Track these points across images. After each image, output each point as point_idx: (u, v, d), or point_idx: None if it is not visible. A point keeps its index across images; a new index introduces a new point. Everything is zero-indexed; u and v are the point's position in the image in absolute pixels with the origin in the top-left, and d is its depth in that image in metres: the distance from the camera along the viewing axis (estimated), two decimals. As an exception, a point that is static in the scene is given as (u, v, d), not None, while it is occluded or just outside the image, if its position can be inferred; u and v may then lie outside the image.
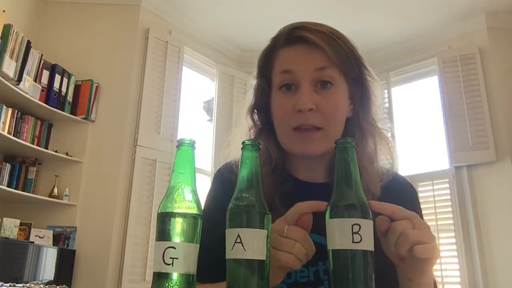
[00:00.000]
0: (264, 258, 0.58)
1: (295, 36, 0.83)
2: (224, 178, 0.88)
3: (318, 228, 0.64)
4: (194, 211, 0.60)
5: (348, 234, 0.57)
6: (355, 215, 0.58)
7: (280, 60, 0.85)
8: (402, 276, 0.68)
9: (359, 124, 0.86)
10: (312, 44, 0.81)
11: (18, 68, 2.87)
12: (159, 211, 0.60)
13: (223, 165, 0.93)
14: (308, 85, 0.80)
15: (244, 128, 0.93)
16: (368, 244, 0.57)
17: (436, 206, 3.80)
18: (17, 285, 2.43)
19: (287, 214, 0.66)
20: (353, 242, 0.57)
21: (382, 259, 0.63)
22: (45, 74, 3.15)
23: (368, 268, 0.57)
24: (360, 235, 0.57)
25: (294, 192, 0.80)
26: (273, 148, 0.87)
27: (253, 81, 0.94)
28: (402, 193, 0.89)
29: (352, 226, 0.57)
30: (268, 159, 0.87)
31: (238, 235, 0.57)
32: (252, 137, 0.91)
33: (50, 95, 3.15)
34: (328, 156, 0.84)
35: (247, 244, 0.57)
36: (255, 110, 0.92)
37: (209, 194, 0.91)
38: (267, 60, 0.88)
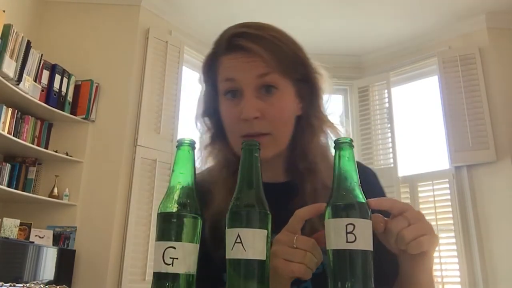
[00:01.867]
0: (264, 258, 0.58)
1: (234, 44, 0.82)
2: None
3: (276, 226, 0.65)
4: (194, 211, 0.60)
5: (342, 234, 0.57)
6: (350, 215, 0.58)
7: (222, 67, 0.84)
8: (404, 275, 0.69)
9: (309, 121, 0.87)
10: (251, 52, 0.80)
11: (18, 68, 2.87)
12: (159, 211, 0.60)
13: None
14: (252, 93, 0.80)
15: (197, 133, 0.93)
16: (364, 244, 0.57)
17: (436, 206, 3.80)
18: (17, 285, 2.43)
19: (289, 224, 0.66)
20: (347, 242, 0.57)
21: (379, 253, 0.63)
22: (45, 74, 3.15)
23: (365, 267, 0.57)
24: (354, 234, 0.57)
25: None
26: (227, 152, 0.87)
27: (200, 87, 0.94)
28: (364, 181, 0.90)
29: (346, 226, 0.57)
30: (226, 162, 0.87)
31: (238, 235, 0.57)
32: (207, 142, 0.91)
33: (50, 95, 3.15)
34: (282, 156, 0.85)
35: (247, 244, 0.57)
36: (205, 116, 0.92)
37: None
38: (211, 66, 0.88)
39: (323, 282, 0.76)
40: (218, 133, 0.90)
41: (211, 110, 0.90)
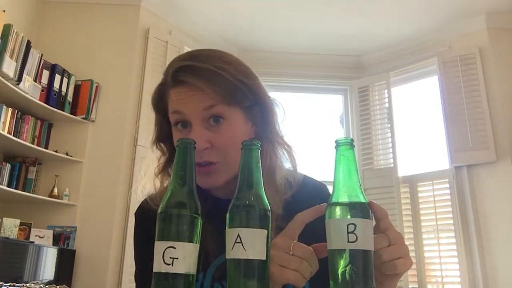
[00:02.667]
0: (264, 258, 0.58)
1: (178, 79, 0.83)
2: (143, 219, 0.94)
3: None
4: (194, 211, 0.60)
5: (343, 234, 0.57)
6: (351, 215, 0.58)
7: (170, 100, 0.85)
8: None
9: (269, 140, 0.87)
10: (195, 86, 0.81)
11: (18, 68, 2.87)
12: (159, 211, 0.60)
13: (142, 203, 0.98)
14: (200, 124, 0.81)
15: (153, 158, 0.94)
16: (365, 244, 0.57)
17: (436, 206, 3.80)
18: (17, 285, 2.43)
19: (288, 228, 0.66)
20: (348, 241, 0.57)
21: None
22: (45, 74, 3.15)
23: (367, 267, 0.57)
24: (355, 234, 0.57)
25: (216, 212, 0.74)
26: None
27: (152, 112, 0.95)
28: (312, 198, 0.85)
29: (348, 225, 0.57)
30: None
31: (238, 235, 0.57)
32: (162, 166, 0.92)
33: (50, 95, 3.15)
34: (235, 179, 0.86)
35: (247, 244, 0.57)
36: (160, 142, 0.93)
37: (134, 237, 0.99)
38: (161, 97, 0.89)
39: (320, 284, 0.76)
40: (172, 159, 0.89)
41: (164, 136, 0.91)
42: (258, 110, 0.87)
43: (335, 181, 0.62)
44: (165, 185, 0.91)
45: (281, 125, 0.90)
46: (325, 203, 0.63)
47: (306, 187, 0.91)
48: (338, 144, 0.63)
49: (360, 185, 0.61)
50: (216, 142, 0.81)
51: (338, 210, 0.59)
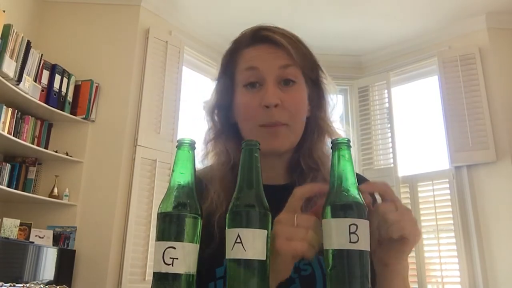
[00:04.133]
0: (264, 258, 0.58)
1: (260, 36, 0.86)
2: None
3: None
4: (194, 211, 0.60)
5: (345, 234, 0.57)
6: (352, 215, 0.58)
7: (244, 58, 0.87)
8: (378, 264, 0.68)
9: (317, 123, 0.90)
10: (276, 44, 0.84)
11: (18, 68, 2.87)
12: (159, 211, 0.60)
13: None
14: (273, 82, 0.83)
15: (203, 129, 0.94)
16: (364, 244, 0.57)
17: (436, 206, 3.80)
18: (17, 285, 2.43)
19: (288, 203, 0.65)
20: (350, 242, 0.57)
21: None
22: (45, 74, 3.15)
23: (364, 268, 0.57)
24: (357, 235, 0.57)
25: None
26: (233, 148, 0.88)
27: (214, 82, 0.96)
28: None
29: (349, 226, 0.57)
30: (227, 159, 0.88)
31: (238, 235, 0.57)
32: (211, 137, 0.91)
33: (50, 95, 3.15)
34: (288, 155, 0.88)
35: (247, 244, 0.57)
36: (216, 111, 0.93)
37: None
38: (230, 60, 0.90)
39: (311, 283, 0.77)
40: (224, 129, 0.91)
41: (224, 102, 0.91)
42: (316, 91, 0.91)
43: (331, 181, 0.62)
44: (208, 159, 0.91)
45: (331, 113, 0.93)
46: (326, 184, 0.62)
47: None
48: (335, 144, 0.64)
49: (357, 185, 0.62)
50: (286, 102, 0.83)
51: (337, 210, 0.59)
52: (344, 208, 0.59)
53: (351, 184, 0.61)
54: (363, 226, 0.58)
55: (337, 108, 0.94)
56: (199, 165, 0.93)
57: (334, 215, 0.59)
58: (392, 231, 0.61)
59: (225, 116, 0.91)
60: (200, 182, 0.85)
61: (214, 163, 0.90)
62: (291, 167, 0.89)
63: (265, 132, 0.82)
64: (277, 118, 0.82)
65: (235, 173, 0.82)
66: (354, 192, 0.60)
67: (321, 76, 0.91)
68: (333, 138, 0.85)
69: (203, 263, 0.73)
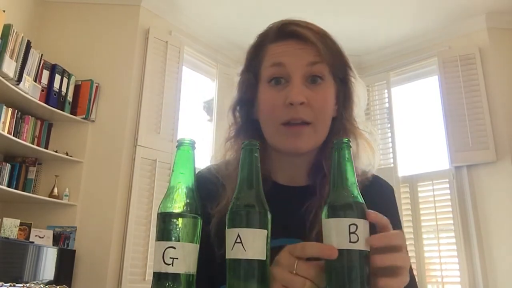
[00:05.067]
0: (264, 258, 0.58)
1: (286, 31, 0.83)
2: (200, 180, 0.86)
3: (297, 231, 0.63)
4: (194, 211, 0.60)
5: (345, 234, 0.57)
6: (351, 215, 0.58)
7: (270, 54, 0.83)
8: None
9: (343, 124, 0.85)
10: (304, 39, 0.81)
11: (18, 68, 2.87)
12: (159, 211, 0.60)
13: (202, 170, 0.91)
14: (300, 79, 0.80)
15: (225, 127, 0.92)
16: (364, 244, 0.57)
17: (436, 206, 3.80)
18: (17, 285, 2.43)
19: (294, 247, 0.61)
20: (350, 242, 0.57)
21: None
22: (45, 74, 3.15)
23: (364, 268, 0.57)
24: (357, 235, 0.57)
25: (272, 195, 0.67)
26: None
27: (236, 78, 0.92)
28: (381, 196, 0.87)
29: (349, 226, 0.57)
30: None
31: (238, 235, 0.57)
32: (232, 135, 0.89)
33: (50, 95, 3.15)
34: (311, 156, 0.84)
35: (247, 244, 0.57)
36: (238, 107, 0.90)
37: None
38: (255, 55, 0.87)
39: None
40: (245, 127, 0.88)
41: (247, 98, 0.87)
42: (343, 90, 0.86)
43: (332, 181, 0.62)
44: (227, 157, 0.88)
45: (358, 114, 0.89)
46: (336, 250, 0.57)
47: (376, 183, 0.88)
48: (335, 144, 0.64)
49: (357, 185, 0.62)
50: (312, 100, 0.79)
51: (337, 210, 0.59)
52: (344, 208, 0.59)
53: (351, 184, 0.61)
54: (363, 226, 0.58)
55: (364, 108, 0.90)
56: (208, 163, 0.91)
57: (333, 215, 0.59)
58: (381, 285, 0.58)
59: (247, 113, 0.88)
60: (216, 178, 0.83)
61: (232, 160, 0.86)
62: (314, 168, 0.85)
63: (288, 131, 0.79)
64: (302, 116, 0.78)
65: None
66: (354, 192, 0.60)
67: (349, 75, 0.87)
68: (359, 139, 0.86)
69: (218, 262, 0.71)
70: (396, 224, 0.85)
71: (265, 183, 0.76)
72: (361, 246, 0.57)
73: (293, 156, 0.83)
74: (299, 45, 0.81)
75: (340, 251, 0.57)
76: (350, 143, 0.64)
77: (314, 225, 0.73)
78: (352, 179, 0.61)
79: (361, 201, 0.60)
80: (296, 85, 0.79)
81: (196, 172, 0.67)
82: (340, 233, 0.57)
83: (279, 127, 0.80)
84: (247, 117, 0.88)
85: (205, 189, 0.80)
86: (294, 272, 0.58)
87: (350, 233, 0.57)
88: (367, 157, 0.86)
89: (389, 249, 0.59)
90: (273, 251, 0.60)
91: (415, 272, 3.68)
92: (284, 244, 0.62)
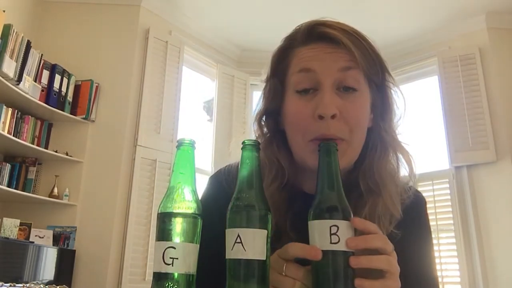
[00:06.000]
0: (264, 258, 0.58)
1: (316, 32, 0.75)
2: (217, 183, 0.83)
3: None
4: (194, 211, 0.60)
5: (326, 235, 0.58)
6: (334, 217, 0.59)
7: (297, 59, 0.75)
8: None
9: (380, 135, 0.77)
10: (336, 42, 0.73)
11: (18, 68, 2.87)
12: (159, 211, 0.60)
13: (221, 169, 0.86)
14: (331, 87, 0.71)
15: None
16: (346, 245, 0.58)
17: (436, 206, 3.80)
18: (17, 285, 2.43)
19: (283, 249, 0.61)
20: (331, 243, 0.57)
21: None
22: (45, 74, 3.15)
23: (346, 269, 0.57)
24: (338, 236, 0.57)
25: (305, 211, 0.63)
26: (284, 160, 0.77)
27: (262, 84, 0.84)
28: (419, 214, 0.83)
29: (330, 227, 0.58)
30: (280, 173, 0.76)
31: (238, 235, 0.57)
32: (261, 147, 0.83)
33: (50, 95, 3.15)
34: (345, 173, 0.74)
35: (247, 244, 0.57)
36: (264, 117, 0.81)
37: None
38: (282, 60, 0.79)
39: None
40: (273, 139, 0.80)
41: (274, 107, 0.79)
42: (380, 98, 0.78)
43: (318, 183, 0.63)
44: None
45: (397, 124, 0.81)
46: (320, 252, 0.57)
47: (418, 200, 0.84)
48: (321, 148, 0.64)
49: (342, 187, 0.62)
50: (345, 112, 0.70)
51: (320, 212, 0.60)
52: (327, 210, 0.60)
53: (335, 186, 0.61)
54: (345, 227, 0.58)
55: (404, 117, 0.81)
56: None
57: (316, 217, 0.60)
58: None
59: (274, 123, 0.80)
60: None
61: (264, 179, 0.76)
62: (348, 186, 0.72)
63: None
64: (334, 132, 0.70)
65: (287, 189, 0.75)
66: (338, 194, 0.61)
67: (387, 80, 0.78)
68: (399, 153, 0.78)
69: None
70: (425, 236, 0.83)
71: (298, 198, 0.75)
72: (342, 246, 0.57)
73: None
74: (330, 48, 0.73)
75: (323, 252, 0.57)
76: (337, 147, 0.64)
77: None
78: (337, 181, 0.62)
79: (345, 203, 0.60)
80: (326, 94, 0.70)
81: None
82: (322, 235, 0.58)
83: (307, 143, 0.72)
84: (276, 128, 0.80)
85: (216, 191, 0.80)
86: (284, 273, 0.59)
87: (331, 234, 0.57)
88: (407, 172, 0.79)
89: (370, 251, 0.58)
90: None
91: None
92: None
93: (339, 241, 0.57)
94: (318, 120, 0.70)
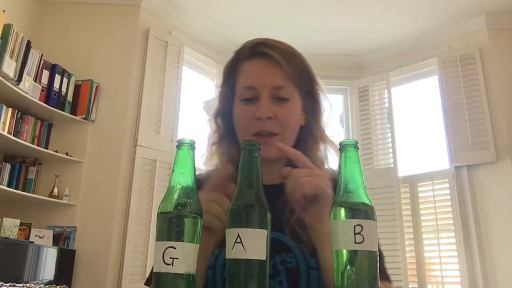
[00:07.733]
0: (264, 258, 0.58)
1: (257, 51, 0.94)
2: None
3: (275, 225, 0.67)
4: (194, 211, 0.60)
5: (350, 235, 0.57)
6: (358, 216, 0.58)
7: (243, 74, 0.95)
8: (308, 229, 0.77)
9: (311, 131, 0.97)
10: (272, 59, 0.92)
11: (18, 68, 2.87)
12: (159, 211, 0.60)
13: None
14: (267, 98, 0.91)
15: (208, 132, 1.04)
16: (371, 245, 0.58)
17: (436, 206, 3.80)
18: (17, 285, 2.43)
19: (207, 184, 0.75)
20: (355, 242, 0.57)
21: None
22: (45, 74, 3.15)
23: (372, 268, 0.57)
24: (362, 235, 0.57)
25: None
26: (234, 151, 0.96)
27: (217, 89, 1.04)
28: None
29: (355, 227, 0.58)
30: (231, 158, 0.95)
31: (238, 235, 0.57)
32: (216, 140, 1.00)
33: (50, 95, 3.15)
34: (284, 161, 0.92)
35: (247, 244, 0.57)
36: (219, 116, 1.01)
37: None
38: (232, 71, 0.98)
39: (296, 275, 0.83)
40: (227, 133, 1.00)
41: (225, 110, 0.99)
42: (311, 102, 0.98)
43: (339, 182, 0.62)
44: (212, 159, 1.00)
45: (326, 121, 1.00)
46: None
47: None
48: (343, 146, 0.64)
49: (365, 186, 0.62)
50: (278, 115, 0.91)
51: (343, 212, 0.60)
52: (350, 209, 0.59)
53: (358, 185, 0.61)
54: (369, 226, 0.58)
55: (332, 114, 1.01)
56: (202, 167, 1.00)
57: (340, 216, 0.59)
58: (304, 190, 0.70)
59: (228, 122, 0.99)
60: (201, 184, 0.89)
61: (218, 163, 0.98)
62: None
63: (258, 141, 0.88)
64: (269, 128, 0.90)
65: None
66: (361, 193, 0.61)
67: (315, 88, 0.98)
68: (327, 144, 0.98)
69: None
70: None
71: None
72: (367, 246, 0.57)
73: (266, 162, 0.88)
74: (268, 66, 0.92)
75: (347, 252, 0.57)
76: (358, 144, 0.64)
77: (289, 219, 0.84)
78: (359, 180, 0.61)
79: (368, 202, 0.60)
80: (263, 102, 0.91)
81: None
82: (346, 234, 0.58)
83: (251, 137, 0.90)
84: (228, 125, 1.00)
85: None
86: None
87: (355, 233, 0.57)
88: (333, 157, 0.99)
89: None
90: None
91: (415, 272, 3.69)
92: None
93: (363, 240, 0.58)
94: (258, 121, 0.91)
